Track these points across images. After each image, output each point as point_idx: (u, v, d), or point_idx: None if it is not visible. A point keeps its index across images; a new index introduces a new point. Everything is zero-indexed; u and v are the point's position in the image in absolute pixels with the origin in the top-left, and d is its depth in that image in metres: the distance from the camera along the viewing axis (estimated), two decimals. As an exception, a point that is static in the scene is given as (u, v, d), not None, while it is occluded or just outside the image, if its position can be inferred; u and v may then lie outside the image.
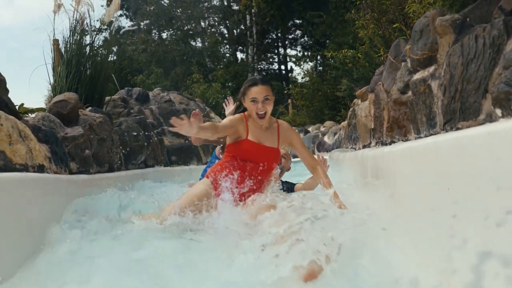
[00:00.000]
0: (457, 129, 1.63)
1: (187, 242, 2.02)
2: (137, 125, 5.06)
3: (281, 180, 3.12)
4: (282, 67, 25.33)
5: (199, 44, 24.34)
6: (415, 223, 1.70)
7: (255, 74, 20.52)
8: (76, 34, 4.90)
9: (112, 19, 5.57)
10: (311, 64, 21.78)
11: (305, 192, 2.09)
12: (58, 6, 4.84)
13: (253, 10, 22.02)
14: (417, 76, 2.15)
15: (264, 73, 23.99)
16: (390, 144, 2.75)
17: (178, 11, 23.89)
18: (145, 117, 5.99)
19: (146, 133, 5.25)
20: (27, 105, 3.66)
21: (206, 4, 24.12)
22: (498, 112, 1.33)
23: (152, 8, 23.77)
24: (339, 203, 2.25)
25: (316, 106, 14.82)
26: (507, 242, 1.06)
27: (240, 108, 2.79)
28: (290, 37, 24.80)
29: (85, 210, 2.59)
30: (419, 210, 1.67)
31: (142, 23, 24.71)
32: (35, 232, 2.02)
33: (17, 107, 2.95)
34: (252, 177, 2.44)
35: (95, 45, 5.33)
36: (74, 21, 4.91)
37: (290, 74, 24.89)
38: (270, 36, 24.63)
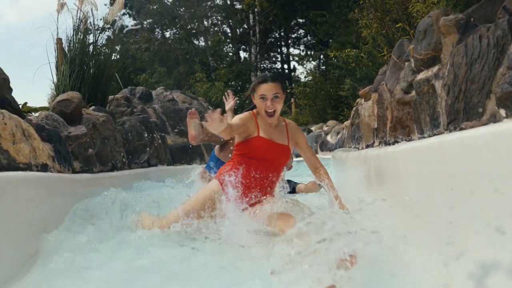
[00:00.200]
0: (461, 129, 1.63)
1: (189, 251, 1.98)
2: (140, 124, 5.07)
3: (287, 180, 3.12)
4: (285, 66, 25.26)
5: (202, 43, 24.32)
6: (420, 224, 1.69)
7: (258, 73, 20.48)
8: (79, 33, 4.92)
9: (115, 18, 5.58)
10: (314, 63, 21.74)
11: (328, 212, 1.99)
12: (62, 5, 4.85)
13: (256, 9, 21.97)
14: (420, 76, 2.14)
15: (267, 72, 23.86)
16: (393, 144, 2.74)
17: (181, 10, 23.90)
18: (148, 116, 6.00)
19: (149, 132, 5.26)
20: (31, 104, 3.67)
21: (209, 3, 24.09)
22: (502, 112, 1.32)
23: (155, 7, 23.78)
24: (341, 205, 2.26)
25: (319, 106, 14.76)
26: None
27: (247, 106, 2.75)
28: (293, 36, 24.74)
29: (88, 213, 2.57)
30: (423, 209, 1.67)
31: (145, 22, 24.76)
32: (38, 232, 2.02)
33: (20, 106, 2.96)
34: (261, 175, 2.38)
35: (99, 44, 5.35)
36: (77, 20, 4.93)
37: (293, 73, 24.81)
38: (273, 35, 24.56)
